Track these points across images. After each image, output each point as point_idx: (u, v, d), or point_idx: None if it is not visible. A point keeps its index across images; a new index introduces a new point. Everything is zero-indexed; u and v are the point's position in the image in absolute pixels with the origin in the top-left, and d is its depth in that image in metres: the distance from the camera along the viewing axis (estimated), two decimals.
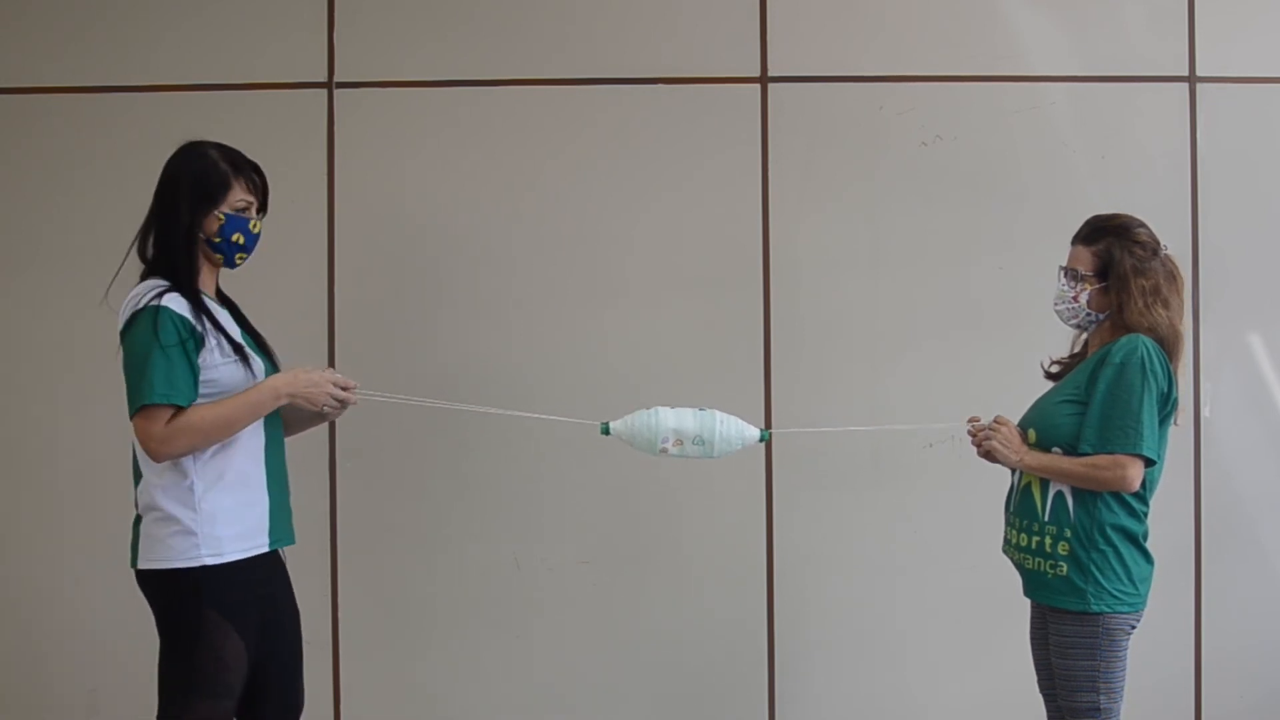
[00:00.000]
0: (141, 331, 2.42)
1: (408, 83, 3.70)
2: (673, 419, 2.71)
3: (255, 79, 3.69)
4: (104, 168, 3.65)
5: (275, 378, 2.54)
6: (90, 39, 3.71)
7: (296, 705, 2.65)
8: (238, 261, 2.57)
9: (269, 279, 3.47)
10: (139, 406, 2.40)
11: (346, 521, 3.70)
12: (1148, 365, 2.62)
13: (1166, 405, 2.67)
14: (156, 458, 2.42)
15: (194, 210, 2.49)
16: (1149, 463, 2.64)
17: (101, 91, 3.70)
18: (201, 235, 2.51)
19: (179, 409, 2.41)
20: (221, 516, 2.46)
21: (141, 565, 2.49)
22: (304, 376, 2.53)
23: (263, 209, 2.61)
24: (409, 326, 3.71)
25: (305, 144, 3.68)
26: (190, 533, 2.43)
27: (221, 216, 2.51)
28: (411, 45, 3.72)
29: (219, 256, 2.54)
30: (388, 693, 3.72)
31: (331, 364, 3.69)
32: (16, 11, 3.72)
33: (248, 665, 2.49)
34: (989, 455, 2.77)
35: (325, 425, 3.65)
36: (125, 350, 2.46)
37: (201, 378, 2.45)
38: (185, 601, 2.45)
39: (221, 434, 2.45)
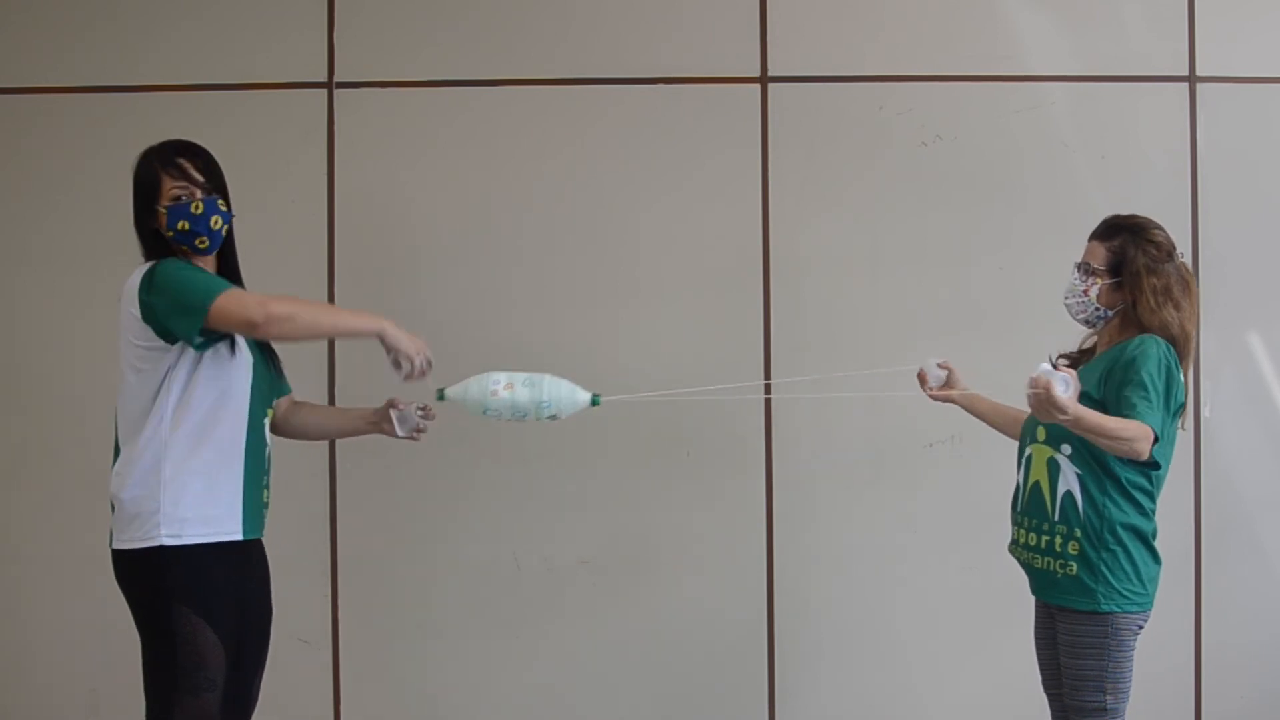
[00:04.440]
0: (165, 267, 2.51)
1: (408, 83, 3.70)
2: (503, 374, 2.69)
3: (255, 79, 3.69)
4: (104, 168, 3.63)
5: (386, 318, 2.60)
6: (90, 39, 3.71)
7: (250, 704, 2.68)
8: (200, 246, 2.58)
9: (269, 279, 3.47)
10: (212, 300, 2.44)
11: (346, 521, 3.71)
12: (1157, 355, 2.63)
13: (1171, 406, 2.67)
14: (267, 322, 2.45)
15: (144, 214, 2.58)
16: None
17: (101, 91, 3.69)
18: (166, 234, 2.57)
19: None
20: (186, 499, 2.49)
21: (114, 545, 2.55)
22: (406, 334, 2.60)
23: (215, 190, 2.60)
24: (408, 326, 3.67)
25: (305, 144, 3.68)
26: (152, 512, 2.47)
27: (162, 211, 2.55)
28: (411, 45, 3.72)
29: (184, 248, 2.58)
30: (388, 693, 3.72)
31: (331, 364, 3.69)
32: (16, 11, 3.72)
33: (225, 657, 2.52)
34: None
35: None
36: (158, 290, 2.48)
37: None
38: (153, 593, 2.49)
39: (315, 322, 2.62)
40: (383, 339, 2.56)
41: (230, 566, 2.56)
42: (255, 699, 2.69)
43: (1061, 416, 2.50)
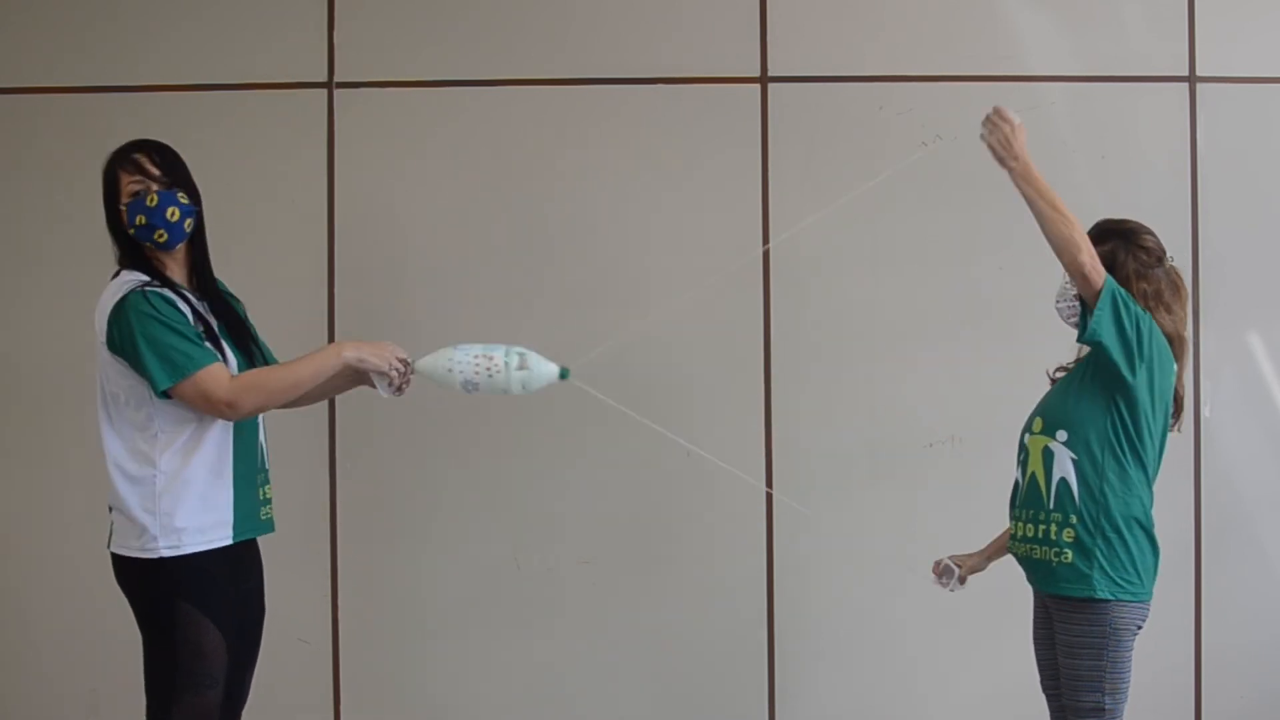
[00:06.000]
0: (137, 315, 2.48)
1: (408, 83, 3.70)
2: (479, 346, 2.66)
3: (255, 79, 3.69)
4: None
5: (342, 342, 2.67)
6: (90, 39, 3.71)
7: (242, 699, 2.69)
8: (159, 240, 2.56)
9: (269, 279, 3.48)
10: (185, 376, 2.44)
11: (346, 521, 3.70)
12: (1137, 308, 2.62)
13: (1158, 397, 2.66)
14: (232, 415, 2.50)
15: (112, 217, 2.61)
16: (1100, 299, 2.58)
17: (101, 91, 3.69)
18: (129, 231, 2.58)
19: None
20: (180, 512, 2.49)
21: (112, 548, 2.58)
22: (369, 345, 2.61)
23: (174, 183, 2.59)
24: (409, 327, 3.70)
25: (305, 144, 3.68)
26: (148, 527, 2.49)
27: (122, 209, 2.58)
28: (411, 45, 3.72)
29: (147, 245, 2.58)
30: (388, 693, 3.72)
31: None
32: (16, 11, 3.72)
33: (227, 653, 2.52)
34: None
35: (326, 432, 3.67)
36: (128, 335, 2.48)
37: None
38: (154, 593, 2.51)
39: (289, 394, 2.56)
40: (351, 367, 2.58)
41: (232, 567, 2.57)
42: (246, 694, 2.70)
43: (1011, 158, 2.68)
